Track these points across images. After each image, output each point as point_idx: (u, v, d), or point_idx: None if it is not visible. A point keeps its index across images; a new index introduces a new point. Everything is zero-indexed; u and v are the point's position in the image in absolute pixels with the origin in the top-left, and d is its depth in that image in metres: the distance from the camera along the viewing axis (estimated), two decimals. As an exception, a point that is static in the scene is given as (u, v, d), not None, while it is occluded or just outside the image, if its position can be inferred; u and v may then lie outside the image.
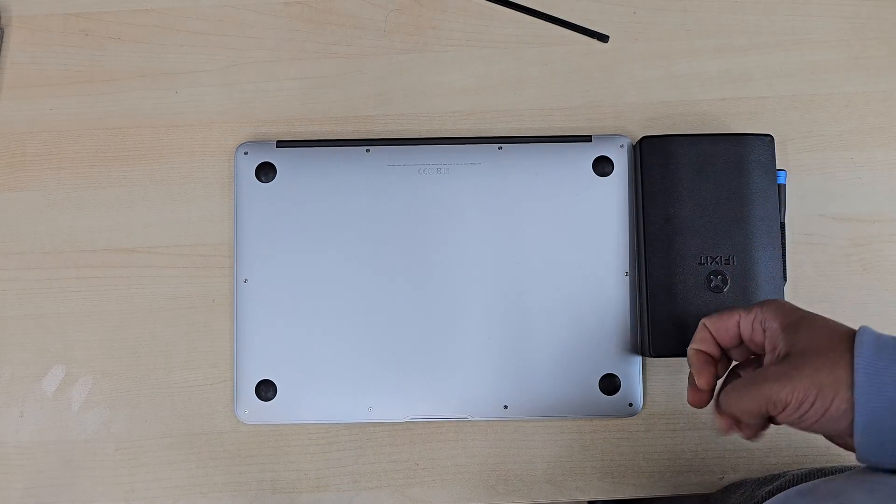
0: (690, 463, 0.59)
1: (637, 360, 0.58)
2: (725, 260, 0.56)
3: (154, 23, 0.63)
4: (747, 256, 0.56)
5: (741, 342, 0.46)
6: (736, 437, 0.59)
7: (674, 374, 0.59)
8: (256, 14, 0.63)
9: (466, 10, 0.63)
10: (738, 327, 0.45)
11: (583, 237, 0.59)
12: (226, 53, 0.63)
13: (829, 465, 0.56)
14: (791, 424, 0.40)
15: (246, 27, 0.63)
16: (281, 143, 0.60)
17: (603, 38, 0.62)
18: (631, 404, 0.58)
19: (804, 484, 0.44)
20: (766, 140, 0.58)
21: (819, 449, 0.59)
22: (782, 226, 0.58)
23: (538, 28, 0.63)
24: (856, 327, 0.61)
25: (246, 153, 0.60)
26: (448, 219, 0.59)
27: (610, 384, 0.58)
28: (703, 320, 0.47)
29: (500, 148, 0.60)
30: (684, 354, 0.57)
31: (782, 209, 0.58)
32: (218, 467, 0.59)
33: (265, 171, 0.60)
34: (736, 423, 0.44)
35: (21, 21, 0.64)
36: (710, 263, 0.56)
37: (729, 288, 0.56)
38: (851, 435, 0.38)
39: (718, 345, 0.47)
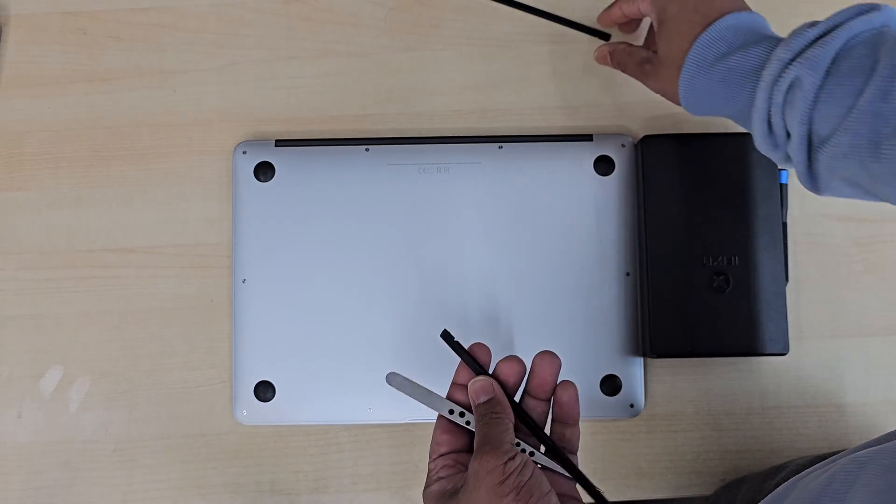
0: (692, 464, 0.58)
1: (638, 361, 0.58)
2: (727, 260, 0.56)
3: (152, 22, 0.63)
4: (749, 256, 0.56)
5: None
6: (735, 439, 0.59)
7: (675, 375, 0.59)
8: (255, 13, 0.63)
9: (466, 8, 0.63)
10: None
11: (584, 237, 0.59)
12: (224, 52, 0.63)
13: (831, 449, 0.56)
14: None
15: (245, 26, 0.63)
16: (280, 143, 0.60)
17: (604, 36, 0.62)
18: (632, 405, 0.58)
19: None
20: (769, 139, 0.57)
21: (819, 448, 0.58)
22: (784, 226, 0.57)
23: (539, 26, 0.63)
24: (857, 326, 0.61)
25: (244, 152, 0.60)
26: (448, 218, 0.59)
27: (611, 385, 0.58)
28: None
29: (500, 147, 0.60)
30: (686, 355, 0.56)
31: (784, 209, 0.58)
32: (216, 468, 0.59)
33: (264, 171, 0.60)
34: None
35: (19, 20, 0.63)
36: (713, 263, 0.56)
37: (731, 288, 0.55)
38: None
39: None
